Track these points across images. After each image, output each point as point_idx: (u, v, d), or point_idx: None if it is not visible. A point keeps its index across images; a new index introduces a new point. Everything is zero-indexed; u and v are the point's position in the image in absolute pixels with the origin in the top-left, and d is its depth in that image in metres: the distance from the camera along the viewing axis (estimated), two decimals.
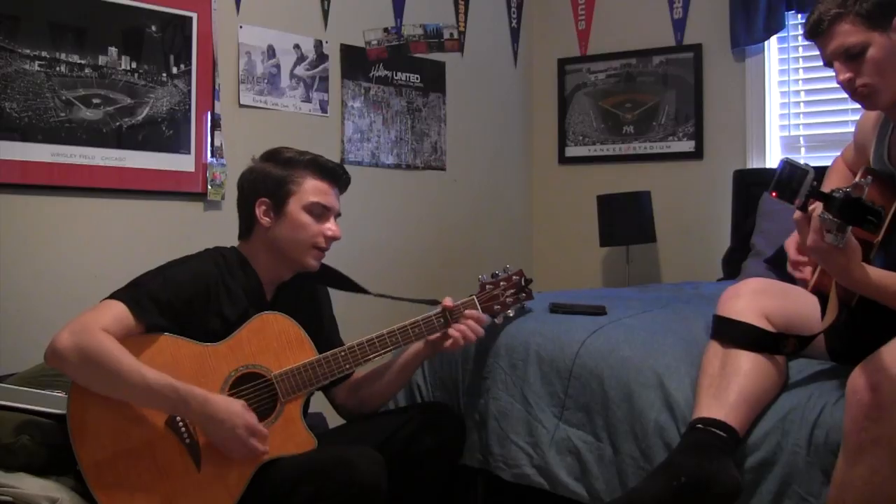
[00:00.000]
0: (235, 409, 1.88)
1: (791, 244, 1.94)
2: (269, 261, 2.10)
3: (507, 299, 2.27)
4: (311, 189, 2.07)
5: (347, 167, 2.26)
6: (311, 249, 2.08)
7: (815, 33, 1.83)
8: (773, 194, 1.57)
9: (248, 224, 2.11)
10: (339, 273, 2.23)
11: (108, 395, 1.86)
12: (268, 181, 2.07)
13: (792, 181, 1.54)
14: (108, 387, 1.85)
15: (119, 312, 1.88)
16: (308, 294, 2.20)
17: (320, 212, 2.08)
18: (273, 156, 2.12)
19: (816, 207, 1.56)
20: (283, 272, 2.13)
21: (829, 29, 1.79)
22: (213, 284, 2.01)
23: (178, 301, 1.94)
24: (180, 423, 1.91)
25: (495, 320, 2.28)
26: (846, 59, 1.79)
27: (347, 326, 2.32)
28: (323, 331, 2.20)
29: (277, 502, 1.90)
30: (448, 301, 2.18)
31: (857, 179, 1.47)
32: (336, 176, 2.13)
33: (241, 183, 2.13)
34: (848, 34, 1.77)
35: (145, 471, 1.88)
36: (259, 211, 2.07)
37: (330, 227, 2.09)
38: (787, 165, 1.54)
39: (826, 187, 2.04)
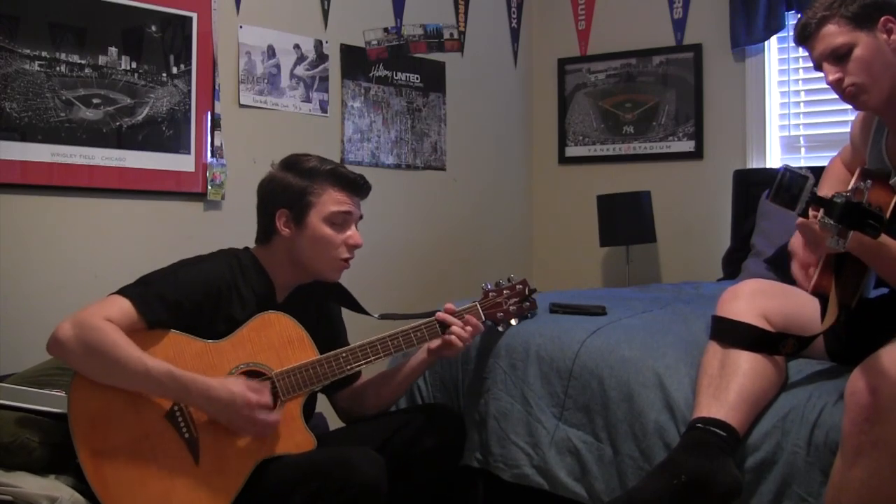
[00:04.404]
0: (235, 388, 1.89)
1: (797, 244, 1.94)
2: (288, 269, 2.10)
3: (511, 307, 2.27)
4: (332, 200, 2.07)
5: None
6: (334, 262, 2.08)
7: (803, 37, 1.87)
8: (774, 201, 1.57)
9: (267, 231, 2.10)
10: (347, 292, 2.23)
11: (110, 384, 1.87)
12: (288, 192, 2.06)
13: (792, 188, 1.54)
14: (110, 375, 1.86)
15: (124, 307, 1.89)
16: (319, 296, 2.20)
17: (342, 220, 2.08)
18: (293, 165, 2.10)
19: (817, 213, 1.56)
20: (301, 279, 2.13)
21: (817, 31, 1.83)
22: (226, 288, 2.01)
23: (187, 302, 1.95)
24: (179, 418, 1.92)
25: (499, 328, 2.28)
26: (834, 60, 1.82)
27: (351, 328, 2.32)
28: (331, 333, 2.20)
29: (277, 502, 1.91)
30: (449, 306, 2.18)
31: (856, 184, 1.47)
32: (357, 187, 2.12)
33: (261, 191, 2.12)
34: (835, 35, 1.81)
35: (144, 465, 1.88)
36: (279, 222, 2.06)
37: (351, 234, 2.09)
38: (787, 172, 1.54)
39: (822, 188, 2.04)
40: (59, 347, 1.85)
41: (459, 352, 2.18)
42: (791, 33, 3.76)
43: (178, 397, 1.89)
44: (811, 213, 1.63)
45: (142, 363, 1.84)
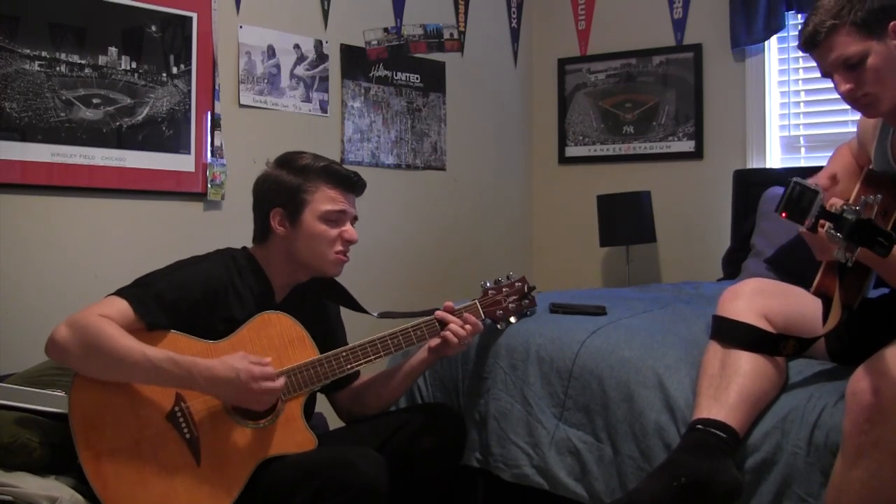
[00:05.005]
0: (237, 364, 1.87)
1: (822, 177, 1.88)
2: (285, 267, 2.10)
3: (510, 305, 2.27)
4: (326, 198, 2.06)
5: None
6: (332, 254, 2.08)
7: (811, 45, 1.81)
8: (783, 215, 1.54)
9: (263, 230, 2.10)
10: (346, 291, 2.23)
11: (113, 380, 1.87)
12: (282, 190, 2.06)
13: (801, 201, 1.51)
14: (112, 370, 1.85)
15: (121, 309, 1.89)
16: (316, 296, 2.20)
17: (336, 217, 2.07)
18: (287, 162, 2.10)
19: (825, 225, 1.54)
20: (300, 276, 2.13)
21: (826, 41, 1.77)
22: (222, 289, 2.01)
23: (184, 303, 1.95)
24: (180, 418, 1.92)
25: (498, 326, 2.28)
26: (846, 70, 1.77)
27: (351, 327, 2.32)
28: (330, 333, 2.20)
29: (278, 502, 1.91)
30: (448, 304, 2.18)
31: (866, 197, 1.44)
32: (350, 183, 2.11)
33: (256, 190, 2.12)
34: (846, 45, 1.75)
35: (145, 465, 1.88)
36: (274, 221, 2.06)
37: (346, 230, 2.09)
38: (796, 185, 1.52)
39: (826, 172, 2.02)
40: (58, 349, 1.85)
41: (460, 350, 2.18)
42: (791, 33, 3.79)
43: (181, 383, 1.87)
44: (819, 225, 1.61)
45: (141, 352, 1.83)
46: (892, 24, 1.75)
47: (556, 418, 2.18)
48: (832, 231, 1.43)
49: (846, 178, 1.98)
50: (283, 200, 2.06)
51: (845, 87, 1.77)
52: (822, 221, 1.52)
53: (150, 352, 1.85)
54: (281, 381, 1.92)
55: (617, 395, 2.07)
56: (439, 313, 2.15)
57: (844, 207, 1.43)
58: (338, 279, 2.19)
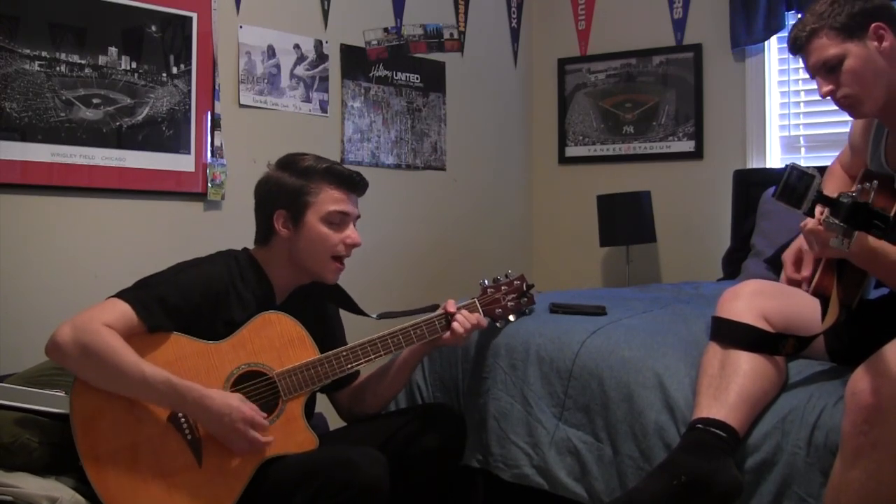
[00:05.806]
0: (232, 402, 1.89)
1: (789, 256, 1.94)
2: (287, 269, 2.10)
3: (509, 303, 2.27)
4: (329, 199, 2.06)
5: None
6: (331, 262, 2.08)
7: (795, 49, 1.87)
8: (780, 200, 1.56)
9: (265, 232, 2.10)
10: (346, 294, 2.23)
11: (108, 390, 1.87)
12: (284, 192, 2.06)
13: (798, 187, 1.53)
14: (107, 381, 1.86)
15: (124, 312, 1.88)
16: (317, 297, 2.20)
17: (339, 220, 2.07)
18: (289, 164, 2.10)
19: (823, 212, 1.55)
20: (301, 279, 2.13)
21: (807, 44, 1.83)
22: (224, 291, 2.01)
23: (186, 306, 1.94)
24: (182, 419, 1.92)
25: (497, 324, 2.28)
26: (826, 72, 1.82)
27: (351, 328, 2.32)
28: (329, 333, 2.20)
29: (279, 502, 1.91)
30: (451, 305, 2.18)
31: (862, 184, 1.46)
32: (353, 184, 2.11)
33: (258, 192, 2.12)
34: (825, 48, 1.80)
35: (147, 466, 1.88)
36: (277, 223, 2.06)
37: (349, 234, 2.09)
38: (794, 171, 1.53)
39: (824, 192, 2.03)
40: (58, 351, 1.85)
41: (455, 344, 2.18)
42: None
43: (174, 405, 1.89)
44: (817, 211, 1.62)
45: (139, 370, 1.84)
46: (872, 25, 1.78)
47: (556, 418, 2.18)
48: (829, 218, 1.44)
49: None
50: (286, 202, 2.06)
51: (825, 88, 1.83)
52: (819, 212, 1.53)
53: (147, 371, 1.85)
54: (268, 439, 1.92)
55: (617, 395, 2.07)
56: (450, 303, 2.15)
57: (840, 193, 1.44)
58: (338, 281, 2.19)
